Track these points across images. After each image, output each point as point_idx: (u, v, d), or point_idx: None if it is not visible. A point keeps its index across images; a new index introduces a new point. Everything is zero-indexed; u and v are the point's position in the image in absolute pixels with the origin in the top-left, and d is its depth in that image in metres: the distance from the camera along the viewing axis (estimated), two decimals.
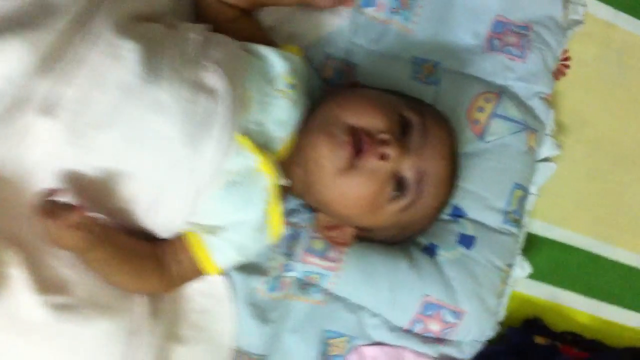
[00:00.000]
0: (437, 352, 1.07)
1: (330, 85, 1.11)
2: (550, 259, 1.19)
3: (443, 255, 1.08)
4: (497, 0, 1.15)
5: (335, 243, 1.03)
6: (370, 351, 1.06)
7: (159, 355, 0.94)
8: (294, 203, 1.06)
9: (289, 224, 1.05)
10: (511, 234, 1.11)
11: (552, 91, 1.17)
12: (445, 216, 1.11)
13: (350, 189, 0.93)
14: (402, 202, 0.96)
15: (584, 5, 1.20)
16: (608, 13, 1.24)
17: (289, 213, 1.06)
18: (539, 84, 1.15)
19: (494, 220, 1.11)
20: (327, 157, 0.92)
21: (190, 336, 0.98)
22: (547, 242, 1.19)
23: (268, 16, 1.10)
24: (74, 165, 0.86)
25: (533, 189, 1.15)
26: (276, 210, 0.94)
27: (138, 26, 0.90)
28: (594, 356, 1.15)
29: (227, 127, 0.88)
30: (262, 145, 0.93)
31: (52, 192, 0.84)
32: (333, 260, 1.04)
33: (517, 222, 1.12)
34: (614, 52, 1.24)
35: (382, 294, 1.05)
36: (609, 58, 1.24)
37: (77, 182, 0.86)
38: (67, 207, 0.83)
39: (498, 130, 1.11)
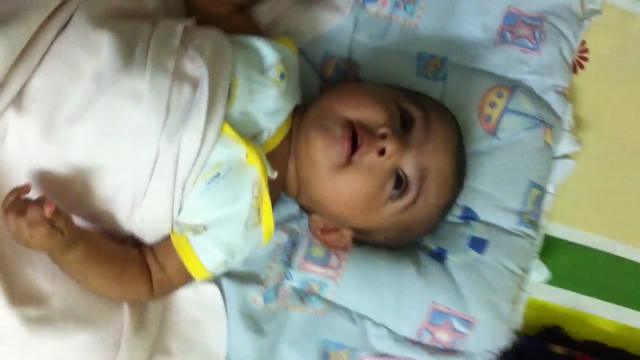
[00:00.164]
0: None
1: (329, 83, 1.10)
2: (570, 262, 1.15)
3: (452, 260, 1.05)
4: None
5: (332, 247, 1.01)
6: None
7: None
8: (293, 208, 1.05)
9: (287, 230, 1.03)
10: (527, 236, 1.08)
11: (570, 85, 1.15)
12: (455, 218, 1.08)
13: (346, 186, 0.91)
14: (403, 201, 0.93)
15: None
16: (626, 1, 1.21)
17: (287, 219, 1.04)
18: (555, 76, 1.13)
19: (507, 221, 1.07)
20: (322, 152, 0.90)
21: (178, 349, 0.95)
22: (566, 244, 1.15)
23: (265, 14, 1.09)
24: (49, 162, 0.84)
25: (550, 188, 1.12)
26: (266, 205, 0.91)
27: (118, 20, 0.89)
28: None
29: (209, 117, 0.86)
30: (249, 136, 0.90)
31: (21, 189, 0.82)
32: (333, 268, 1.01)
33: (534, 224, 1.09)
34: (632, 43, 1.21)
35: (386, 302, 1.01)
36: (627, 49, 1.21)
37: (54, 181, 0.85)
38: (37, 202, 0.80)
39: (511, 126, 1.08)
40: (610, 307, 1.15)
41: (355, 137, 0.89)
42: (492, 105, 1.09)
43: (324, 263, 1.01)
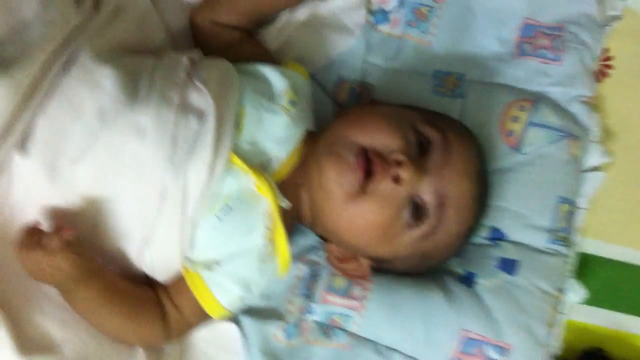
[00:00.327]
0: None
1: (343, 107, 1.08)
2: (608, 280, 1.11)
3: (482, 283, 1.01)
4: (523, 2, 1.11)
5: (351, 277, 0.98)
6: None
7: None
8: (312, 239, 1.03)
9: (306, 261, 1.01)
10: (559, 255, 1.04)
11: (595, 94, 1.12)
12: (482, 240, 1.05)
13: (361, 216, 0.88)
14: (421, 230, 0.90)
15: None
16: None
17: (306, 250, 1.02)
18: (578, 86, 1.10)
19: (538, 240, 1.04)
20: (335, 181, 0.88)
21: None
22: (602, 261, 1.12)
23: (273, 38, 1.09)
24: (56, 202, 0.84)
25: (582, 203, 1.09)
26: (280, 236, 0.89)
27: (122, 55, 0.89)
28: None
29: (216, 148, 0.85)
30: (259, 165, 0.89)
31: (33, 226, 0.83)
32: (357, 299, 0.98)
33: (566, 241, 1.05)
34: None
35: (414, 332, 0.98)
36: None
37: (63, 221, 0.84)
38: (50, 233, 0.81)
39: (535, 140, 1.06)
40: None
41: (370, 164, 0.87)
42: (515, 119, 1.06)
43: (346, 294, 0.98)
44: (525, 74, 1.09)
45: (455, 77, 1.10)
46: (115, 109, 0.83)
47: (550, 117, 1.06)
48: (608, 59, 1.14)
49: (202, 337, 0.94)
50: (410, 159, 0.87)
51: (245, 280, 0.90)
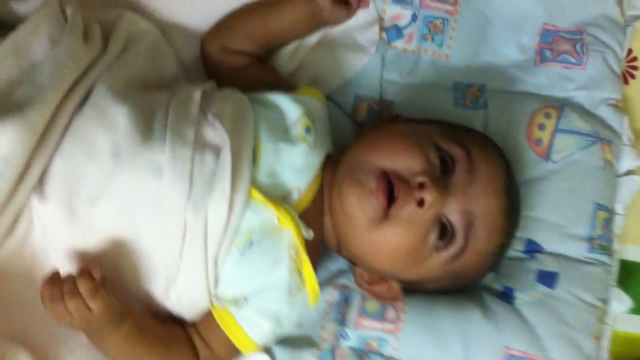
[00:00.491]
0: None
1: (363, 127, 1.06)
2: None
3: (521, 298, 0.99)
4: (540, 8, 1.10)
5: (382, 299, 0.96)
6: None
7: None
8: (341, 262, 1.01)
9: (337, 286, 0.99)
10: (600, 264, 1.02)
11: (623, 97, 1.10)
12: (518, 253, 1.03)
13: (386, 241, 0.87)
14: (450, 251, 0.88)
15: None
16: None
17: (336, 274, 1.00)
18: (605, 89, 1.08)
19: (577, 250, 1.02)
20: (357, 207, 0.87)
21: None
22: None
23: (286, 63, 1.09)
24: (77, 244, 0.84)
25: (619, 208, 1.06)
26: (306, 266, 0.87)
27: (134, 93, 0.89)
28: None
29: (234, 183, 0.84)
30: (279, 197, 0.88)
31: (52, 276, 0.81)
32: (392, 321, 0.96)
33: (606, 249, 1.03)
34: None
35: (453, 353, 0.95)
36: None
37: (85, 263, 0.84)
38: (76, 276, 0.79)
39: (565, 146, 1.04)
40: None
41: (392, 188, 0.85)
42: (541, 127, 1.05)
43: (380, 317, 0.96)
44: (548, 80, 1.08)
45: (476, 88, 1.09)
46: (129, 148, 0.82)
47: (578, 123, 1.05)
48: (633, 60, 1.12)
49: None
50: (433, 180, 0.85)
51: (275, 314, 0.88)
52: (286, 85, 1.00)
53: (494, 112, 1.07)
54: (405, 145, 0.88)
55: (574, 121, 1.05)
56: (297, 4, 1.02)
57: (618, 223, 1.05)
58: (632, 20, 1.11)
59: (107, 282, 0.81)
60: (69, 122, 0.83)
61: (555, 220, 1.02)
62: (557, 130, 1.04)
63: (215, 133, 0.86)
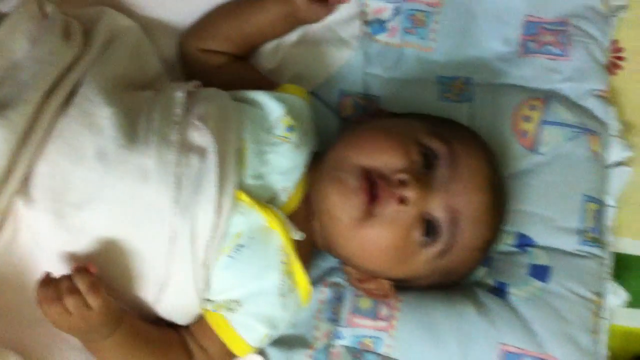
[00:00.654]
0: None
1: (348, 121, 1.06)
2: None
3: (515, 293, 0.98)
4: (521, 0, 1.10)
5: (374, 296, 0.95)
6: None
7: None
8: (333, 260, 1.00)
9: (329, 284, 0.98)
10: (593, 256, 1.01)
11: (609, 87, 1.10)
12: (509, 247, 1.02)
13: (371, 240, 0.87)
14: (436, 247, 0.88)
15: None
16: None
17: (328, 272, 1.00)
18: (590, 80, 1.08)
19: (568, 242, 1.01)
20: (339, 207, 0.86)
21: None
22: None
23: (268, 59, 1.08)
24: (67, 249, 0.83)
25: (610, 200, 1.06)
26: (297, 268, 0.88)
27: (118, 93, 0.88)
28: None
29: (221, 186, 0.84)
30: (266, 199, 0.88)
31: (44, 278, 0.80)
32: (386, 319, 0.95)
33: (598, 241, 1.02)
34: None
35: (449, 350, 0.94)
36: None
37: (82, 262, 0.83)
38: (71, 275, 0.78)
39: (552, 138, 1.04)
40: None
41: (373, 187, 0.85)
42: (527, 119, 1.04)
43: (374, 315, 0.95)
44: (534, 72, 1.08)
45: (461, 82, 1.08)
46: (115, 151, 0.82)
47: (564, 114, 1.04)
48: (618, 50, 1.12)
49: None
50: (415, 177, 0.85)
51: (269, 317, 0.88)
52: (268, 83, 0.99)
53: (479, 105, 1.06)
54: (386, 142, 0.87)
55: (560, 113, 1.04)
56: (273, 3, 1.01)
57: (610, 215, 1.05)
58: (616, 11, 1.11)
59: (103, 282, 0.79)
60: (53, 123, 0.82)
61: (545, 213, 1.01)
62: (543, 122, 1.04)
63: (200, 135, 0.85)
